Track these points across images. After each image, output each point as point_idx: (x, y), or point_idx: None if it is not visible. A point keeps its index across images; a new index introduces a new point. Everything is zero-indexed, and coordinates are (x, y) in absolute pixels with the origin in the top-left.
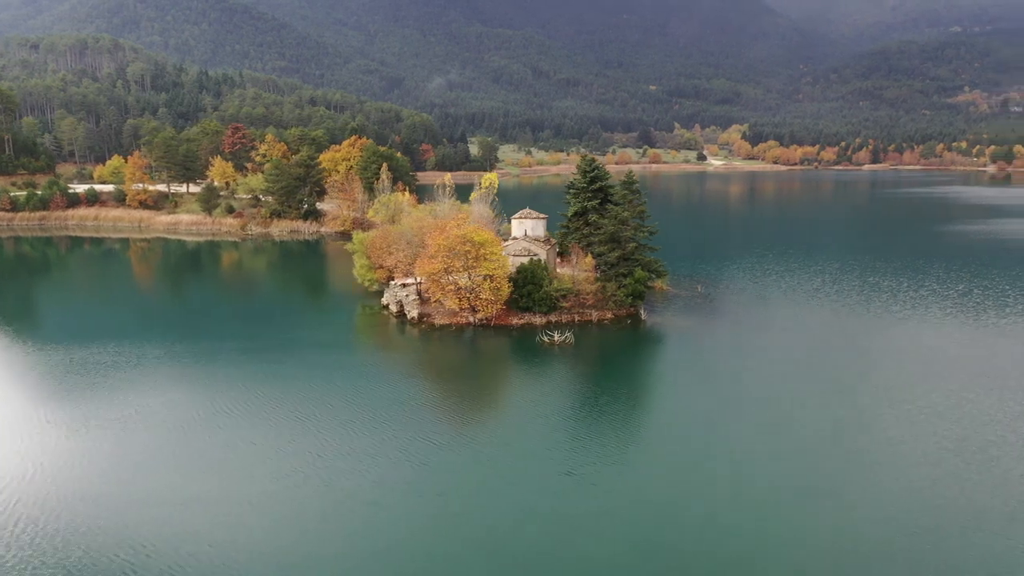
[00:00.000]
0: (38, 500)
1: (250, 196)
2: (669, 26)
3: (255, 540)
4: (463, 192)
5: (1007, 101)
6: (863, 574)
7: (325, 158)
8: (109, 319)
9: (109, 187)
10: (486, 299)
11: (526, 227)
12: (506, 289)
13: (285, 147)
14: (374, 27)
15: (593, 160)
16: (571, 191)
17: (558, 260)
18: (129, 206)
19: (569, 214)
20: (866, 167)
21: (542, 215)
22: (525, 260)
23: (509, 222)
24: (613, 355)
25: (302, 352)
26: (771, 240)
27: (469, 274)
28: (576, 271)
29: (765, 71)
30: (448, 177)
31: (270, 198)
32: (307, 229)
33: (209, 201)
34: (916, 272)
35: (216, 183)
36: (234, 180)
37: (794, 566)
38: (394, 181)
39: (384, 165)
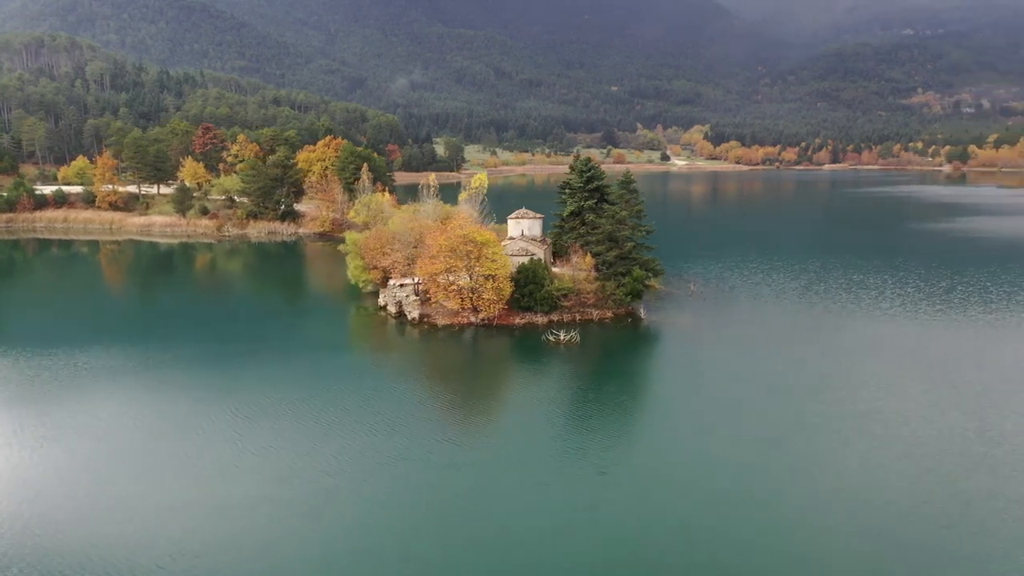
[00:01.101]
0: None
1: (224, 197)
2: (629, 27)
3: (246, 547)
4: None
5: (959, 103)
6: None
7: (300, 158)
8: (84, 324)
9: (78, 188)
10: (489, 299)
11: (523, 227)
12: (508, 289)
13: (257, 147)
14: (335, 27)
15: (589, 160)
16: (567, 191)
17: (553, 260)
18: (99, 208)
19: (565, 213)
20: (826, 167)
21: (538, 215)
22: (523, 260)
23: (497, 222)
24: (620, 354)
25: (305, 355)
26: (749, 239)
27: (471, 274)
28: (575, 271)
29: (724, 72)
30: (432, 177)
31: (245, 199)
32: (285, 230)
33: (183, 202)
34: (897, 270)
35: (187, 184)
36: (207, 181)
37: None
38: (372, 182)
39: (364, 165)
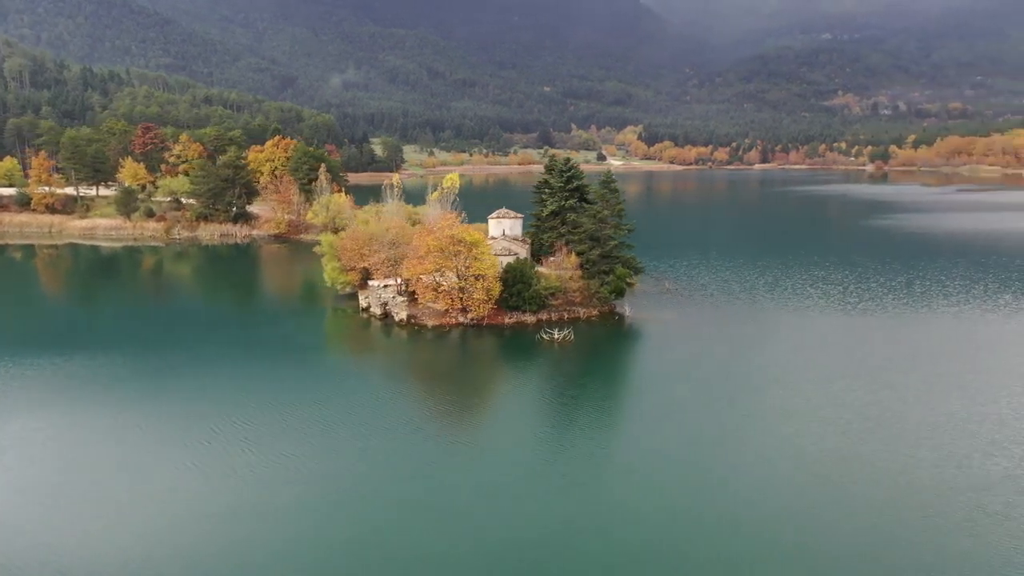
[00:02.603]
0: None
1: (171, 199)
2: (560, 29)
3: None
4: (374, 194)
5: (876, 104)
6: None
7: (248, 159)
8: (28, 331)
9: (11, 190)
10: (479, 299)
11: (504, 226)
12: (497, 289)
13: (201, 147)
14: (262, 24)
15: (568, 159)
16: (546, 191)
17: (533, 259)
18: (35, 210)
19: (545, 213)
20: (757, 167)
21: (519, 215)
22: (507, 259)
23: (467, 222)
24: (614, 351)
25: (295, 359)
26: (703, 239)
27: (460, 274)
28: (561, 270)
29: (654, 74)
30: (396, 178)
31: (194, 201)
32: (238, 232)
33: (127, 204)
34: (855, 266)
35: (128, 185)
36: (149, 182)
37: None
38: (329, 182)
39: (322, 166)
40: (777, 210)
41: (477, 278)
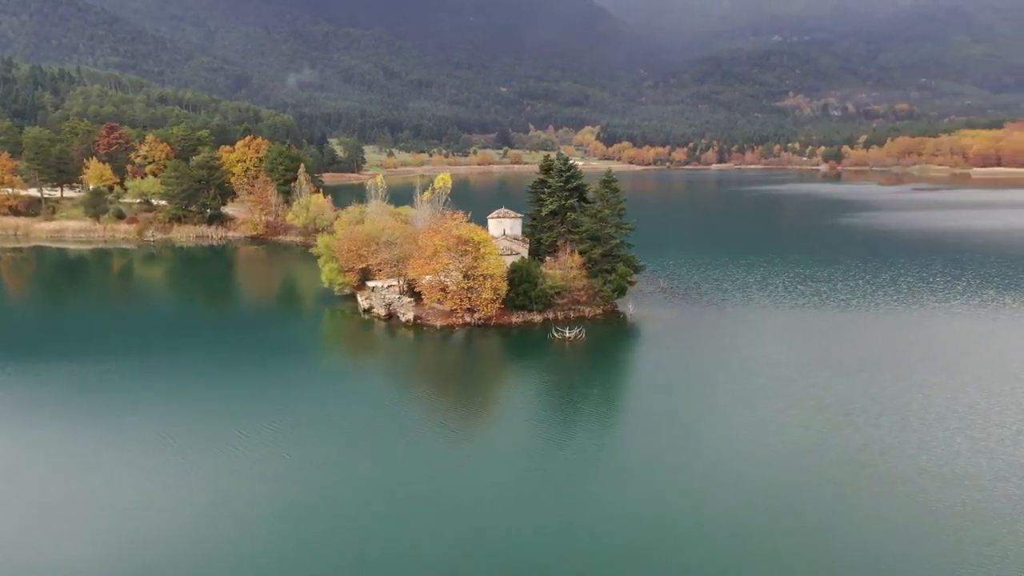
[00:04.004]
0: None
1: (141, 200)
2: (515, 29)
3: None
4: (337, 195)
5: (827, 105)
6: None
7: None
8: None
9: None
10: (487, 299)
11: (505, 226)
12: (504, 288)
13: (169, 148)
14: (213, 23)
15: (567, 159)
16: (545, 190)
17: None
18: None
19: (544, 212)
20: (714, 167)
21: (518, 214)
22: (510, 259)
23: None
24: (624, 350)
25: (307, 362)
26: (681, 238)
27: (469, 273)
28: (566, 268)
29: (609, 75)
30: (380, 178)
31: (165, 202)
32: (215, 234)
33: (96, 206)
34: (837, 264)
35: (93, 186)
36: (117, 183)
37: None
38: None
39: (301, 167)
40: (744, 209)
41: (486, 278)
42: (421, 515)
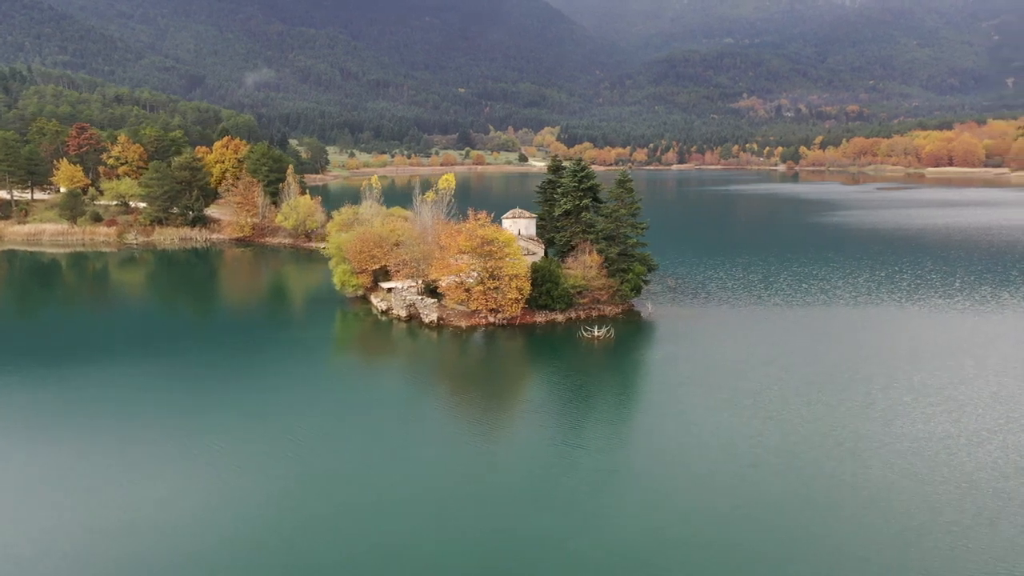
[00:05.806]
0: None
1: (118, 202)
2: (471, 30)
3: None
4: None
5: (780, 107)
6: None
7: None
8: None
9: None
10: (512, 298)
11: (520, 226)
12: (528, 288)
13: (142, 149)
14: (163, 21)
15: (580, 160)
16: (559, 190)
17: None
18: None
19: (557, 212)
20: (674, 167)
21: (533, 215)
22: (529, 259)
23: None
24: (654, 348)
25: (336, 366)
26: (670, 237)
27: (494, 274)
28: (585, 268)
29: (566, 76)
30: (375, 178)
31: (145, 204)
32: (200, 237)
33: (73, 208)
34: (832, 263)
35: (63, 188)
36: (89, 185)
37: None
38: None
39: (290, 167)
40: (722, 209)
41: (512, 278)
42: (422, 515)
